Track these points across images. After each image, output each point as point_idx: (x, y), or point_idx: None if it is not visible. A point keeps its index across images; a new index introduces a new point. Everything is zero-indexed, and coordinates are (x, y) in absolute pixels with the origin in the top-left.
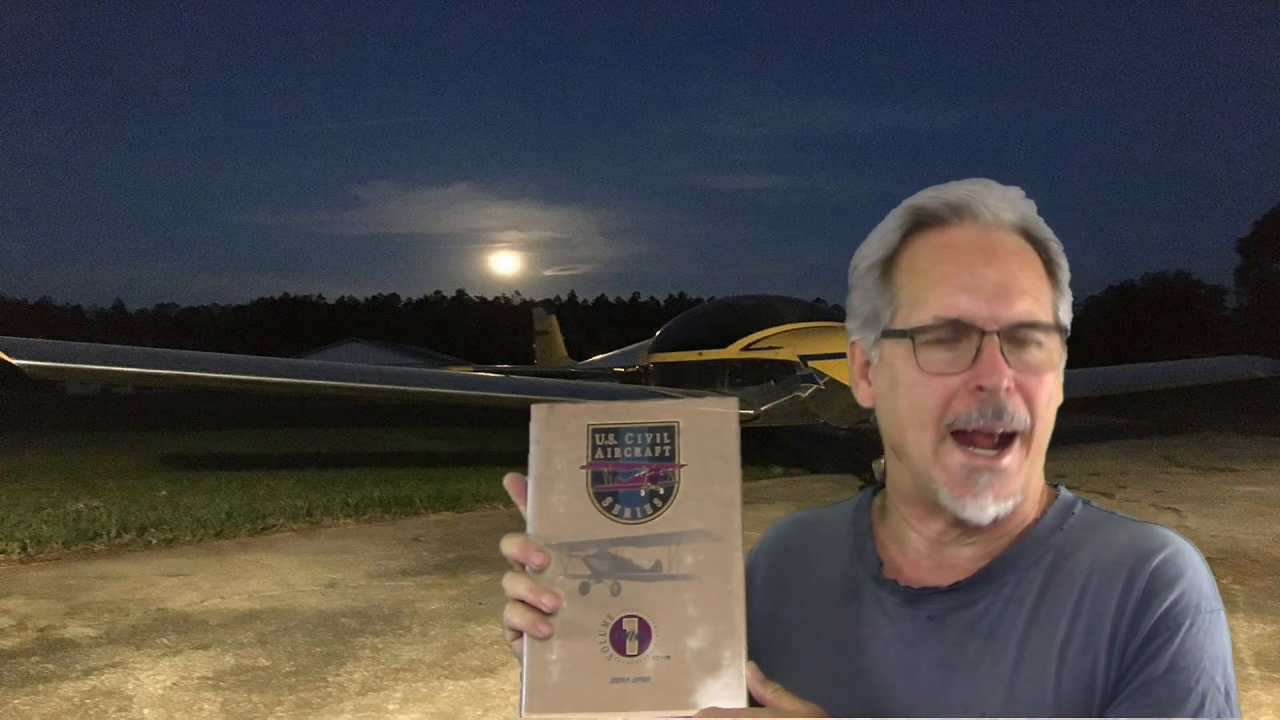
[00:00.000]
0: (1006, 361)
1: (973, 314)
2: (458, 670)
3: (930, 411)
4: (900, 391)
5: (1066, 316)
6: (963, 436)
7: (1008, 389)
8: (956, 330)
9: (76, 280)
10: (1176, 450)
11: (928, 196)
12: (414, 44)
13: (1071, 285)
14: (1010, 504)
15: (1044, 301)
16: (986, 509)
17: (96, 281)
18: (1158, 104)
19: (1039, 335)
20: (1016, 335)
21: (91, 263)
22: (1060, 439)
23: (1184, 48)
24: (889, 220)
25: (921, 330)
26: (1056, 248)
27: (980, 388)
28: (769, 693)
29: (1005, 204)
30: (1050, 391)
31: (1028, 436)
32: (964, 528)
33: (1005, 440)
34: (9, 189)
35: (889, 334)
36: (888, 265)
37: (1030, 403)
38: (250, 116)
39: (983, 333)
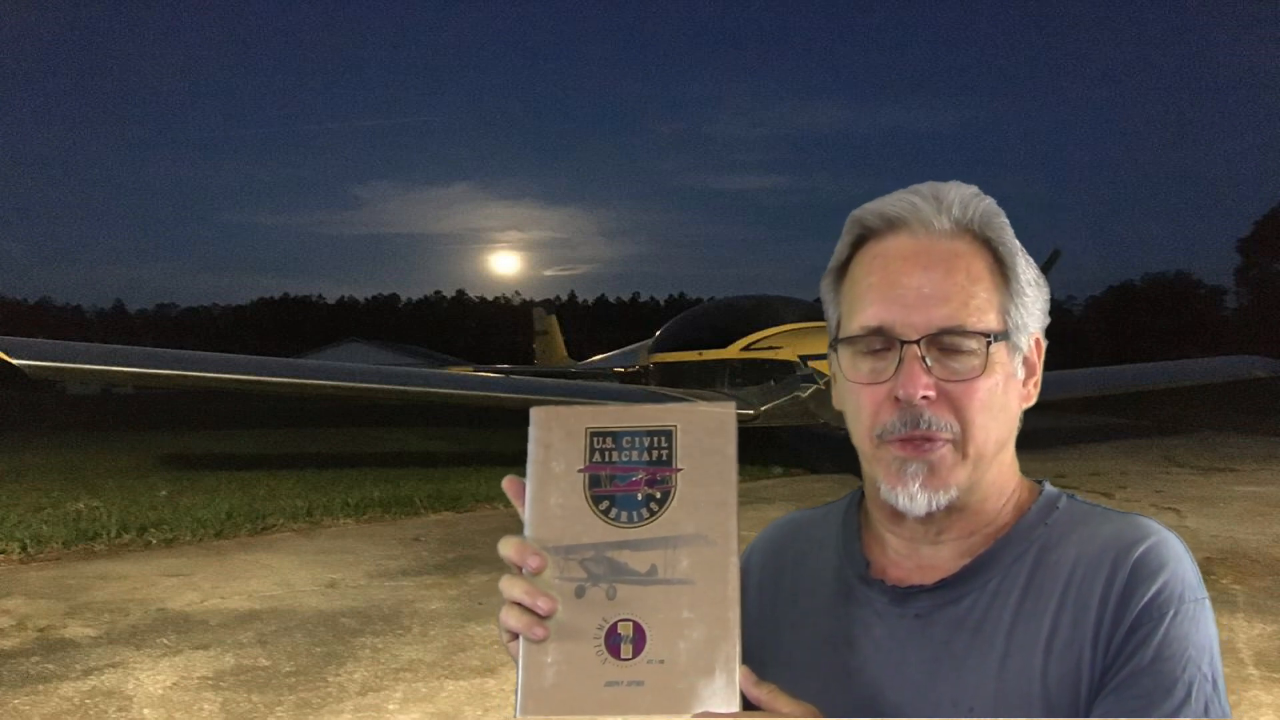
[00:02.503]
0: (928, 370)
1: (892, 323)
2: (458, 670)
3: (864, 421)
4: (844, 398)
5: (1026, 316)
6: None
7: (926, 398)
8: (880, 340)
9: (76, 280)
10: (1176, 450)
11: (866, 209)
12: (414, 44)
13: (1060, 285)
14: (944, 497)
15: (978, 305)
16: (916, 498)
17: (96, 281)
18: (1158, 104)
19: (966, 342)
20: (940, 343)
21: (91, 263)
22: (1060, 439)
23: (1184, 48)
24: (842, 231)
25: (849, 341)
26: (1008, 248)
27: (897, 399)
28: (764, 694)
29: (941, 209)
30: (984, 398)
31: (960, 443)
32: (926, 526)
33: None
34: (9, 189)
35: (833, 343)
36: (839, 275)
37: (958, 410)
38: (250, 116)
39: (902, 342)
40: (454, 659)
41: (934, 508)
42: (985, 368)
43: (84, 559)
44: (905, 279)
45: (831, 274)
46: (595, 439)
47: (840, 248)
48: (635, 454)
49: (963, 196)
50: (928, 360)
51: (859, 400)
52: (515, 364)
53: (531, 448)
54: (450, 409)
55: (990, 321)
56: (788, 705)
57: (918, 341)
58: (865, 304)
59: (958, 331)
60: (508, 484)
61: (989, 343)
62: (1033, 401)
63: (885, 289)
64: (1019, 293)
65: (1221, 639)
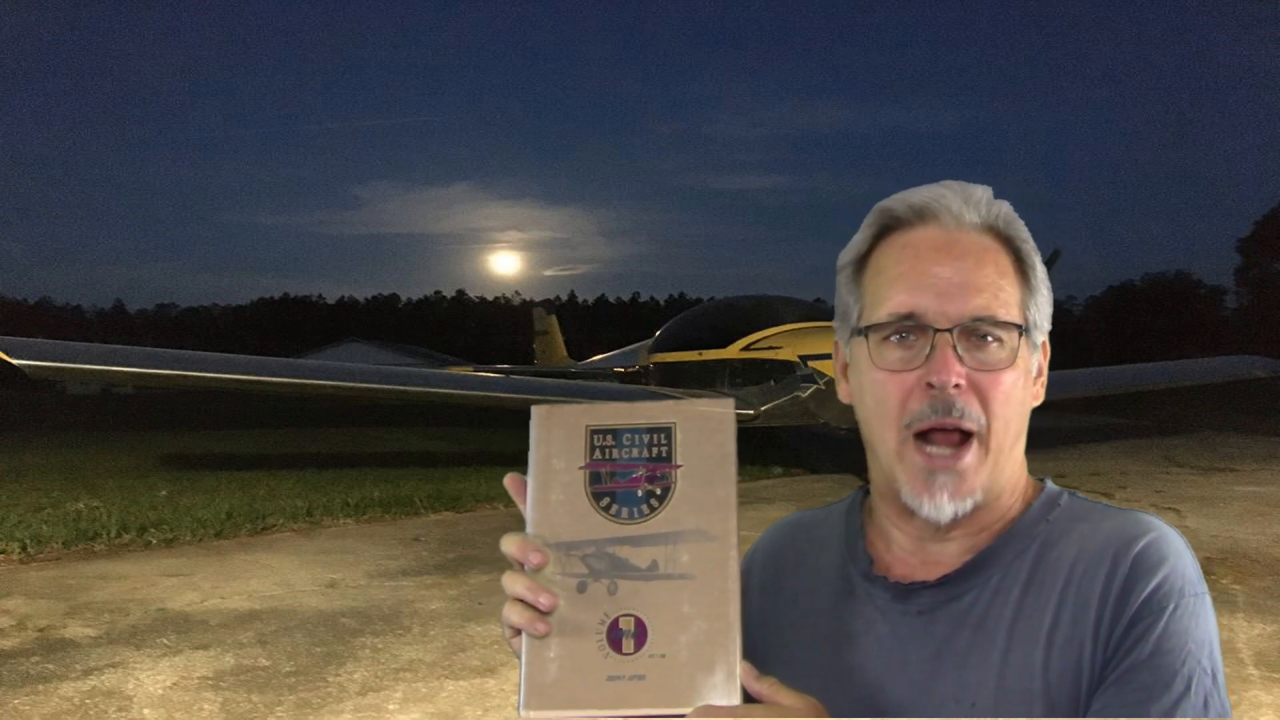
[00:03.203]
0: (960, 359)
1: (924, 311)
2: (458, 670)
3: (890, 410)
4: (865, 389)
5: (1040, 314)
6: (922, 437)
7: (958, 386)
8: (910, 328)
9: (76, 280)
10: (1176, 450)
11: (895, 199)
12: (414, 44)
13: (1060, 285)
14: (969, 502)
15: (1005, 298)
16: (943, 507)
17: (96, 281)
18: (1158, 104)
19: (997, 332)
20: (971, 332)
21: (91, 263)
22: (1060, 439)
23: (1184, 48)
24: (864, 222)
25: (877, 327)
26: (1028, 247)
27: (930, 385)
28: (764, 687)
29: (970, 204)
30: (1008, 390)
31: (984, 436)
32: (937, 524)
33: (963, 439)
34: (9, 189)
35: (855, 332)
36: (859, 266)
37: (985, 400)
38: (250, 116)
39: (935, 330)
40: (454, 659)
41: (958, 515)
42: (1013, 360)
43: (84, 559)
44: (937, 268)
45: (851, 264)
46: (595, 436)
47: (861, 238)
48: (635, 451)
49: (987, 195)
50: (959, 349)
51: (885, 388)
52: (515, 364)
53: (532, 445)
54: (450, 409)
55: (1015, 316)
56: (788, 698)
57: (950, 330)
58: (895, 291)
59: (990, 321)
60: (509, 481)
61: (1019, 335)
62: (1040, 401)
63: (916, 277)
64: (1036, 291)
65: (1221, 639)
